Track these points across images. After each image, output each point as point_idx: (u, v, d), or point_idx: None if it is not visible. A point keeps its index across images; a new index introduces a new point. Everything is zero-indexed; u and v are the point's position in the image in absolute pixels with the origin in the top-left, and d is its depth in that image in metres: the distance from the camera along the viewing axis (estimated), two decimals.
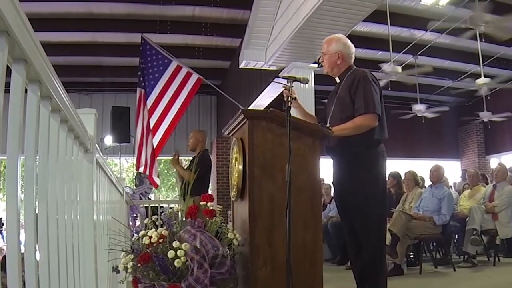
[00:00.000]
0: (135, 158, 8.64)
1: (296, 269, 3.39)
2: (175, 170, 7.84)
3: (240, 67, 10.45)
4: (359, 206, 4.16)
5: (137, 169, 8.63)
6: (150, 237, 3.36)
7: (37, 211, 1.55)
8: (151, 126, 7.83)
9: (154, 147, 7.86)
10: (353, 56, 4.51)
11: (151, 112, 7.83)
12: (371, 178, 4.18)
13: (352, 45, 4.50)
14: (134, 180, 11.47)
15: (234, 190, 3.96)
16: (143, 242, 3.39)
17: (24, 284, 1.34)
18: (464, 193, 9.48)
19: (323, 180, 10.86)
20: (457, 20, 10.27)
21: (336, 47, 4.44)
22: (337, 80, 4.52)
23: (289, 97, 3.65)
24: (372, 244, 4.14)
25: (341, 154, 4.31)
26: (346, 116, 4.18)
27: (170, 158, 7.87)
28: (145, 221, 3.70)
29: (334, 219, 9.53)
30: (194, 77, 7.79)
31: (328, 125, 4.31)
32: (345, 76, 4.39)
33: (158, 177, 8.52)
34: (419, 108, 14.23)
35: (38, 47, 1.37)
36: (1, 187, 20.14)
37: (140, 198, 9.82)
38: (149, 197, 10.44)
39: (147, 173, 8.32)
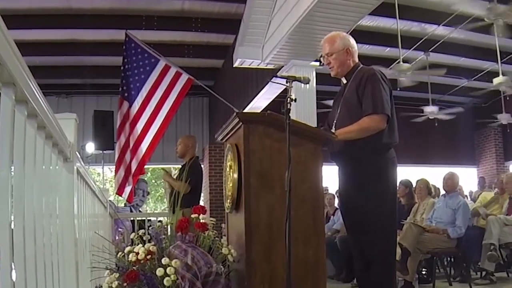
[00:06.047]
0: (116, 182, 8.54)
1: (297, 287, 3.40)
2: (162, 180, 7.82)
3: (234, 66, 10.43)
4: (365, 218, 4.14)
5: (119, 194, 8.49)
6: (137, 253, 3.36)
7: (12, 226, 1.55)
8: (138, 132, 7.79)
9: (142, 155, 7.82)
10: (357, 52, 4.52)
11: (137, 117, 7.80)
12: (379, 187, 4.16)
13: (354, 41, 4.53)
14: None
15: (228, 201, 3.97)
16: (129, 259, 3.38)
17: None
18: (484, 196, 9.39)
19: (326, 190, 10.87)
20: (473, 13, 10.27)
21: (343, 43, 4.42)
22: (344, 80, 4.51)
23: (288, 99, 3.66)
24: (380, 260, 4.13)
25: (346, 161, 4.30)
26: (353, 119, 4.16)
27: (159, 166, 7.86)
28: (131, 236, 3.70)
29: (341, 233, 9.51)
30: (184, 77, 7.78)
31: (333, 129, 4.31)
32: (352, 75, 4.38)
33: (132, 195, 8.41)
34: (431, 110, 14.21)
35: (12, 47, 1.37)
36: None
37: (131, 211, 9.80)
38: (140, 210, 10.43)
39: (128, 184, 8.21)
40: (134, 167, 7.84)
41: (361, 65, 4.46)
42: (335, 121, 4.39)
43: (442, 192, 8.88)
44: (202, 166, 8.30)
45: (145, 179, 11.45)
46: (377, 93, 4.11)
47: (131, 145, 7.85)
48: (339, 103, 4.43)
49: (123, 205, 10.87)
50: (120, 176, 7.89)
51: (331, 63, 4.44)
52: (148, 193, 11.47)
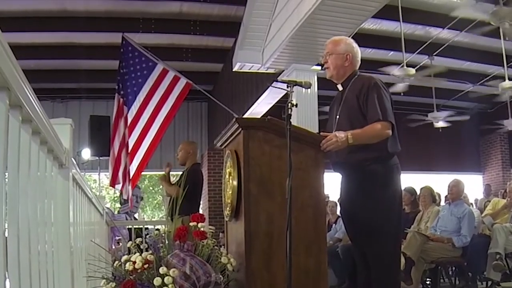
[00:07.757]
0: (109, 173, 8.60)
1: None
2: (161, 186, 7.83)
3: (233, 70, 10.42)
4: (371, 227, 4.10)
5: (112, 186, 8.61)
6: (134, 262, 3.35)
7: (6, 235, 1.55)
8: (135, 138, 7.80)
9: (139, 161, 7.84)
10: (359, 62, 4.50)
11: (134, 122, 7.82)
12: (386, 195, 4.13)
13: (359, 51, 4.51)
14: (119, 197, 11.46)
15: (228, 208, 3.96)
16: (126, 268, 3.38)
17: None
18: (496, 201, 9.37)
19: (328, 197, 10.85)
20: (478, 17, 10.26)
21: (346, 47, 4.40)
22: (340, 87, 4.49)
23: (289, 104, 3.64)
24: (384, 269, 4.11)
25: (349, 169, 4.27)
26: (353, 125, 4.12)
27: (156, 173, 7.87)
28: (128, 245, 3.69)
29: (343, 241, 9.48)
30: (182, 81, 7.80)
31: None
32: (350, 82, 4.35)
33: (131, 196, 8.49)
34: (435, 116, 14.19)
35: (6, 50, 1.37)
36: None
37: (126, 218, 9.81)
38: (135, 216, 10.44)
39: (125, 191, 8.28)
40: (132, 173, 7.86)
41: (359, 74, 4.44)
42: (334, 129, 4.36)
43: (444, 198, 8.86)
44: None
45: (139, 185, 11.46)
46: (382, 102, 4.10)
47: (129, 150, 7.87)
48: (337, 110, 4.41)
49: (117, 212, 10.89)
50: (113, 168, 7.97)
51: (328, 63, 4.44)
52: (142, 199, 11.48)
